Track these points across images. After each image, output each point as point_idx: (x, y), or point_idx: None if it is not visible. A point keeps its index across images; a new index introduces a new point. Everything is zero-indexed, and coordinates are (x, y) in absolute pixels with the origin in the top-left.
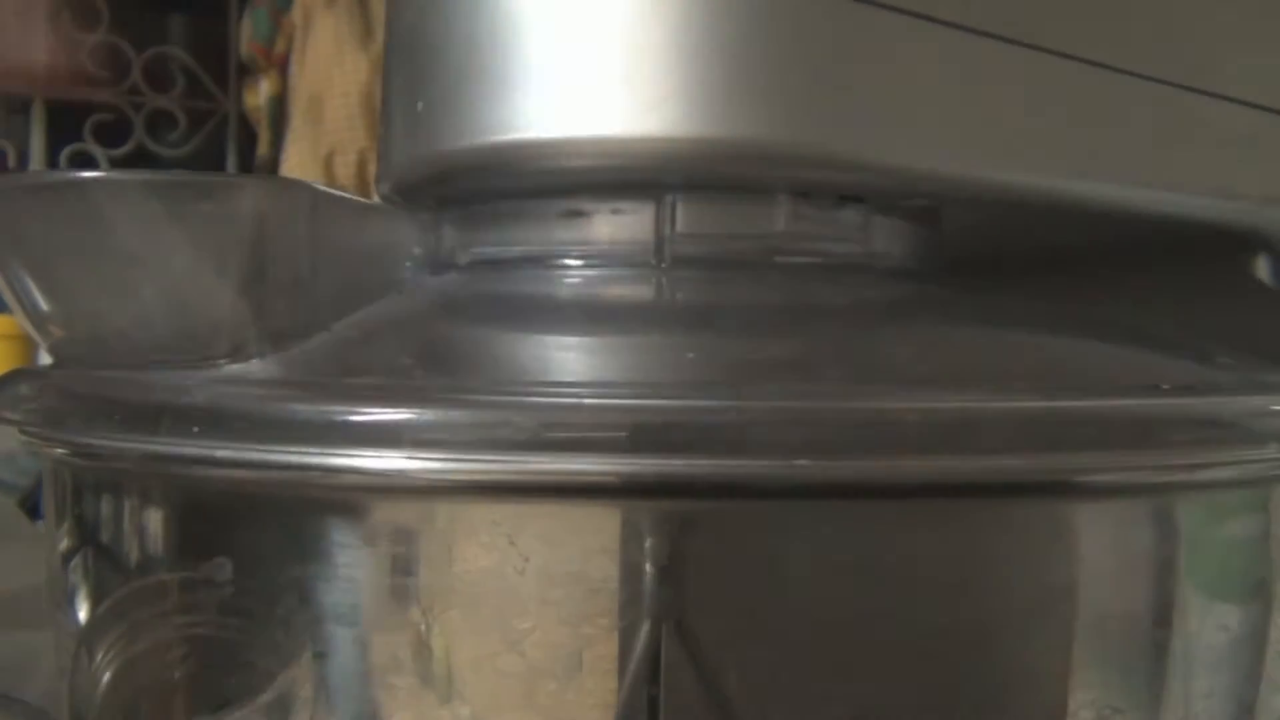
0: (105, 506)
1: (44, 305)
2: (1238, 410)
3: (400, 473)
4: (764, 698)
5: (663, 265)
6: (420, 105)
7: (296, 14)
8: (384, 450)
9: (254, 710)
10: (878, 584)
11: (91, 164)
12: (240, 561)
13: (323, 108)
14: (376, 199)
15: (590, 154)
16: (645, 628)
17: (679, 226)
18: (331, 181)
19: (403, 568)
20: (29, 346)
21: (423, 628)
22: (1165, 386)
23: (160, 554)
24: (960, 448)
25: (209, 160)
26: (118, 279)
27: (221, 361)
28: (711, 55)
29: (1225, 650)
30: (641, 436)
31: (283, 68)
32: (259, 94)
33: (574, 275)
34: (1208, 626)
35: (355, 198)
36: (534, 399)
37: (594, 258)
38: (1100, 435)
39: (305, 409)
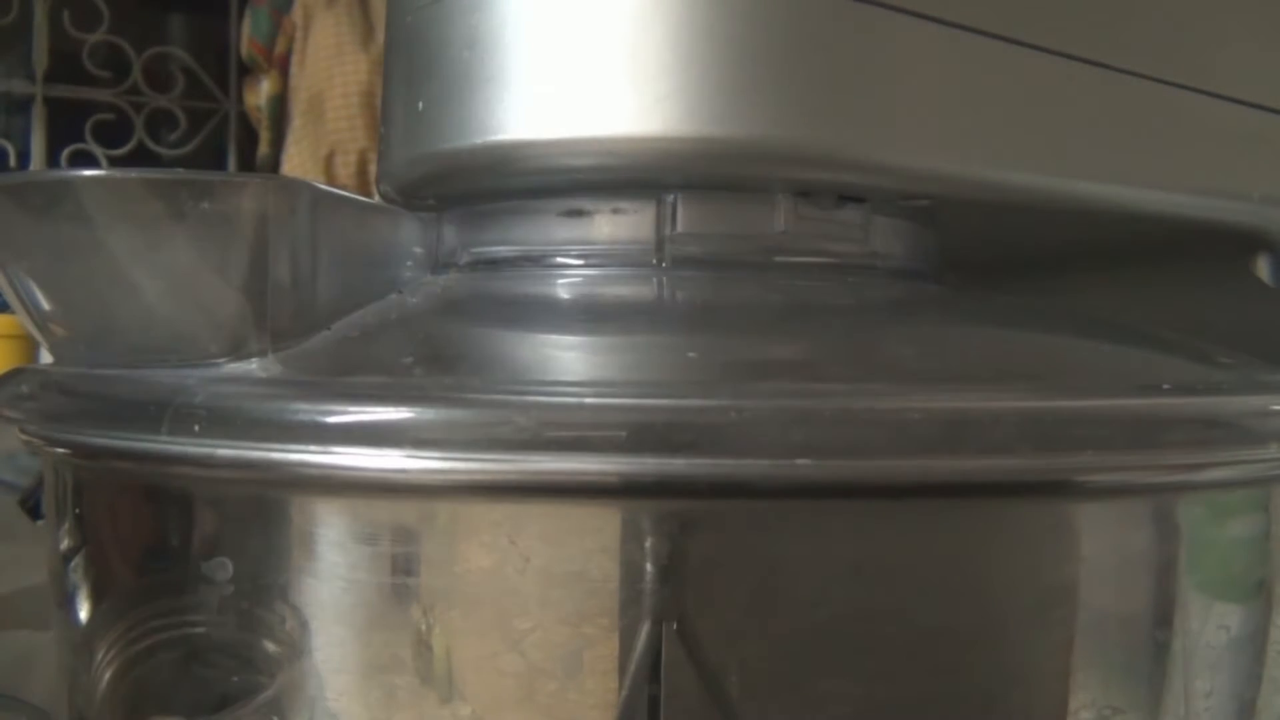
0: (105, 506)
1: (45, 305)
2: (1238, 410)
3: (400, 473)
4: (764, 698)
5: (663, 265)
6: (420, 105)
7: (297, 14)
8: (384, 450)
9: (254, 710)
10: (877, 584)
11: (92, 164)
12: (240, 561)
13: (323, 107)
14: (377, 198)
15: (590, 153)
16: (645, 628)
17: (679, 226)
18: (332, 181)
19: (403, 568)
20: (30, 346)
21: (423, 628)
22: (1165, 386)
23: (160, 554)
24: (960, 448)
25: (209, 160)
26: (118, 279)
27: (222, 361)
28: (711, 55)
29: (1225, 650)
30: (641, 436)
31: (283, 67)
32: (259, 94)
33: (574, 275)
34: (1208, 626)
35: (356, 197)
36: (534, 399)
37: (594, 257)
38: (1100, 435)
39: (305, 409)
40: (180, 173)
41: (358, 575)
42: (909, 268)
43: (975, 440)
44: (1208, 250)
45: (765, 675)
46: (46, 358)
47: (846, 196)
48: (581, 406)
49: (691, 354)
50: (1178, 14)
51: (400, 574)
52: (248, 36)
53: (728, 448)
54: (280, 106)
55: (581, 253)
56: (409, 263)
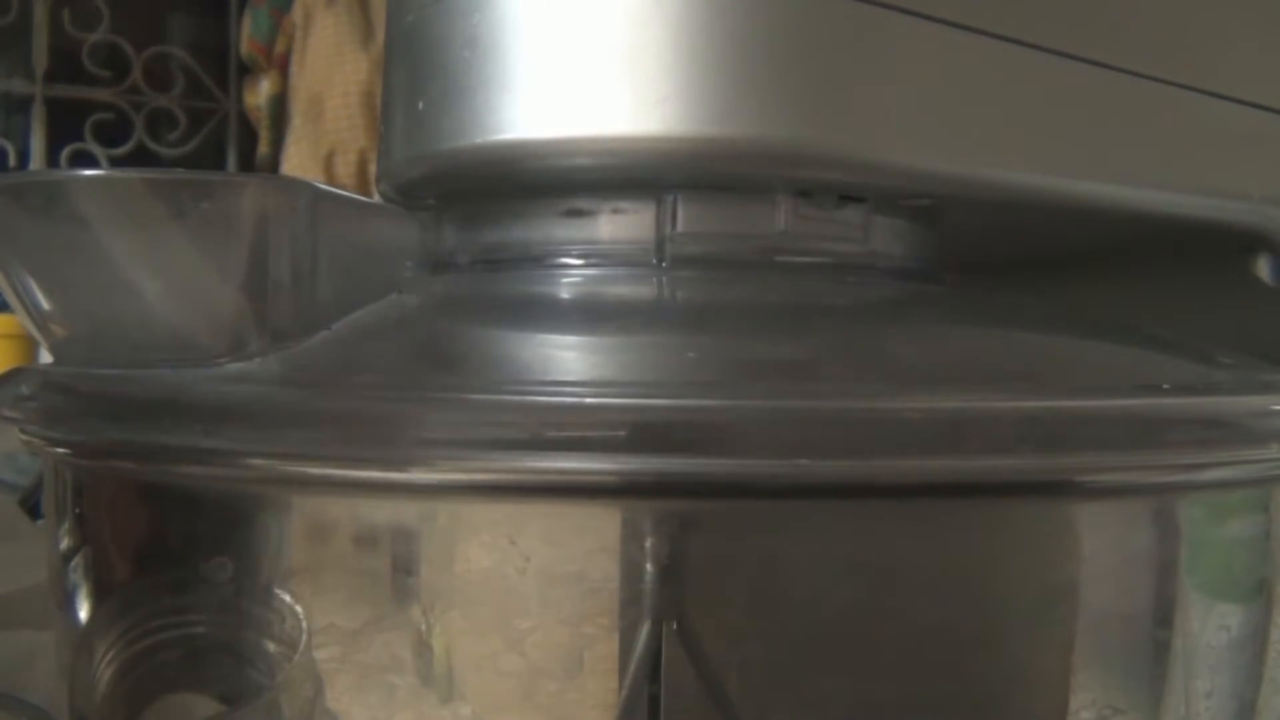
0: (105, 506)
1: (45, 304)
2: (1238, 410)
3: (400, 473)
4: (764, 698)
5: (663, 265)
6: (420, 105)
7: (297, 13)
8: (384, 450)
9: (254, 710)
10: (878, 584)
11: (92, 164)
12: (240, 561)
13: (323, 107)
14: (377, 198)
15: (591, 153)
16: (645, 628)
17: (679, 226)
18: (332, 181)
19: (403, 568)
20: (30, 345)
21: (423, 628)
22: (1165, 386)
23: (160, 554)
24: (960, 448)
25: (209, 160)
26: (118, 278)
27: (222, 361)
28: (711, 55)
29: (1226, 650)
30: (641, 436)
31: (283, 67)
32: (259, 93)
33: (574, 275)
34: (1208, 627)
35: (356, 197)
36: (534, 399)
37: (594, 257)
38: (1100, 435)
39: (305, 408)
40: (180, 173)
41: (357, 575)
42: (909, 268)
43: (975, 440)
44: (1208, 250)
45: (765, 675)
46: (46, 358)
47: (846, 196)
48: (581, 406)
49: (691, 354)
50: (1178, 14)
51: (400, 574)
52: (248, 36)
53: (728, 448)
54: (280, 106)
55: (582, 253)
56: (409, 263)
